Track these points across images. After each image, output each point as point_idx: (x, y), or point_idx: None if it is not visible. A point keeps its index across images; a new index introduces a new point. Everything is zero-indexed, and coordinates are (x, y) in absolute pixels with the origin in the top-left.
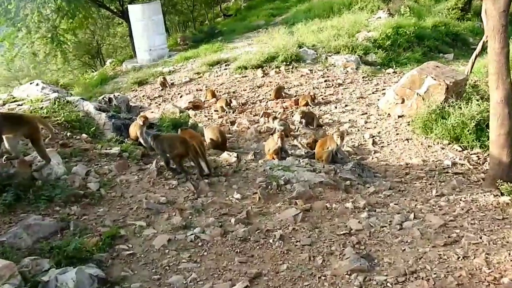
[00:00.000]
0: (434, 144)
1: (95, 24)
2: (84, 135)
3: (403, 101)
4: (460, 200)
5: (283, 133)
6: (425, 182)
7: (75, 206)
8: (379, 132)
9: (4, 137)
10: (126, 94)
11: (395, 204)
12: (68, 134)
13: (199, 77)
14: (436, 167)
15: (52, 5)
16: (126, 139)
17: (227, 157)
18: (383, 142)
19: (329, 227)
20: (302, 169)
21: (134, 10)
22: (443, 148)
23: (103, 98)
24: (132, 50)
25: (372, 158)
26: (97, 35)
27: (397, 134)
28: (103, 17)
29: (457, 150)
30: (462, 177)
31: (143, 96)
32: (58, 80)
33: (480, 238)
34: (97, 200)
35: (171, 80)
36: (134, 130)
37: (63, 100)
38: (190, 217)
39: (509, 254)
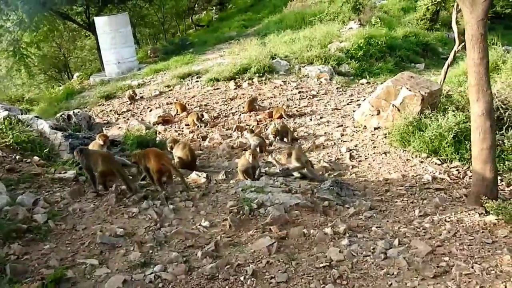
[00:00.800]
0: (412, 158)
1: (61, 37)
2: (36, 158)
3: (378, 113)
4: (445, 221)
5: (256, 149)
6: (407, 200)
7: (16, 244)
8: (356, 145)
9: None
10: (93, 109)
11: (377, 227)
12: (17, 157)
13: (169, 90)
14: (416, 183)
15: (14, 18)
16: None
17: (196, 177)
18: (361, 156)
19: (307, 259)
20: (277, 189)
21: (100, 23)
22: (422, 162)
23: (61, 116)
24: (100, 63)
25: (350, 174)
26: (63, 48)
27: (375, 147)
28: (70, 29)
29: (436, 163)
30: (444, 194)
31: (111, 110)
32: (24, 95)
33: (472, 267)
34: (44, 234)
35: (140, 93)
36: None
37: (14, 119)
38: (150, 251)
39: (505, 286)
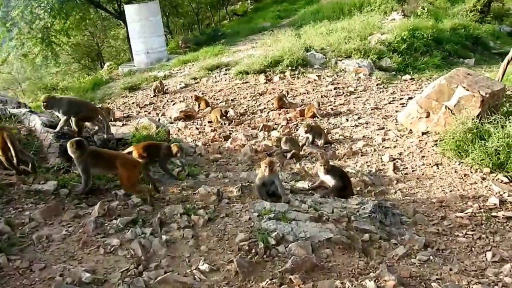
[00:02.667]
0: (471, 173)
1: (94, 25)
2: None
3: (428, 115)
4: None
5: (272, 160)
6: (472, 235)
7: None
8: (400, 154)
9: None
10: (116, 101)
11: (437, 279)
12: None
13: (195, 83)
14: (480, 208)
15: (45, 4)
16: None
17: (205, 193)
18: (407, 167)
19: None
20: (303, 216)
21: (130, 11)
22: (484, 179)
23: None
24: (130, 53)
25: (395, 192)
26: (96, 37)
27: (423, 156)
28: (102, 18)
29: (502, 181)
30: None
31: (133, 103)
32: (58, 84)
33: None
34: None
35: (165, 85)
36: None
37: (6, 114)
38: None
39: None
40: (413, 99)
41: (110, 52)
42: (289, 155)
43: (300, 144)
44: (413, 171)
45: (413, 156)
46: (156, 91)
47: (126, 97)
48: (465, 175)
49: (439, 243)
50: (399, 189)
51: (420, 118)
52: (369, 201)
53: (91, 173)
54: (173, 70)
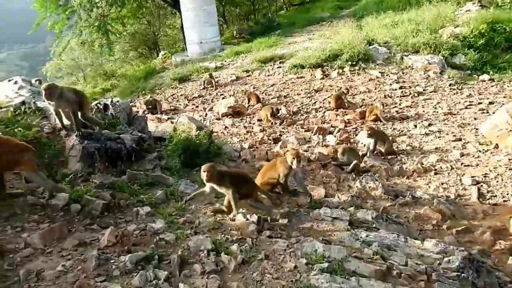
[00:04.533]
0: None
1: (151, 14)
2: None
3: None
4: None
5: (299, 151)
6: None
7: None
8: (485, 175)
9: None
10: (165, 92)
11: None
12: None
13: (247, 76)
14: None
15: None
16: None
17: (242, 221)
18: (495, 195)
19: None
20: (367, 267)
21: None
22: None
23: (96, 105)
24: (183, 42)
25: (484, 233)
26: (152, 26)
27: None
28: (158, 7)
29: None
30: None
31: (181, 95)
32: (116, 71)
33: None
34: None
35: (216, 77)
36: None
37: (32, 107)
38: None
39: None
40: (503, 108)
41: (166, 41)
42: (349, 168)
43: (361, 153)
44: (504, 200)
45: (502, 179)
46: (206, 83)
47: (175, 88)
48: None
49: None
50: (488, 227)
51: (510, 131)
52: (455, 250)
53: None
54: (225, 61)
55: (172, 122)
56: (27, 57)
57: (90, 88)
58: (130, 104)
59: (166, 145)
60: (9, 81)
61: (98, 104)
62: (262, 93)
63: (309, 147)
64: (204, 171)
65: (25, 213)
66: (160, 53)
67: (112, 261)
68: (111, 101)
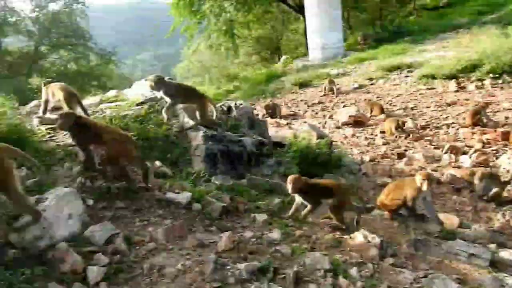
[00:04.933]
0: None
1: (275, 19)
2: (157, 163)
3: None
4: None
5: (430, 172)
6: None
7: None
8: None
9: None
10: (285, 97)
11: None
12: None
13: (370, 84)
14: None
15: None
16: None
17: (363, 243)
18: None
19: None
20: None
21: (310, 4)
22: None
23: (221, 106)
24: (306, 47)
25: None
26: (276, 30)
27: None
28: (282, 11)
29: None
30: None
31: (301, 100)
32: (239, 74)
33: None
34: None
35: (337, 84)
36: None
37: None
38: None
39: None
40: None
41: (288, 46)
42: (488, 195)
43: (503, 180)
44: None
45: None
46: (327, 90)
47: (295, 93)
48: None
49: None
50: None
51: None
52: None
53: None
54: (347, 68)
55: (290, 128)
56: (160, 58)
57: (213, 89)
58: (252, 107)
59: (286, 151)
60: (145, 80)
61: (223, 106)
62: (386, 103)
63: (438, 166)
64: (289, 183)
65: (152, 207)
66: (281, 58)
67: (228, 267)
68: (235, 104)
